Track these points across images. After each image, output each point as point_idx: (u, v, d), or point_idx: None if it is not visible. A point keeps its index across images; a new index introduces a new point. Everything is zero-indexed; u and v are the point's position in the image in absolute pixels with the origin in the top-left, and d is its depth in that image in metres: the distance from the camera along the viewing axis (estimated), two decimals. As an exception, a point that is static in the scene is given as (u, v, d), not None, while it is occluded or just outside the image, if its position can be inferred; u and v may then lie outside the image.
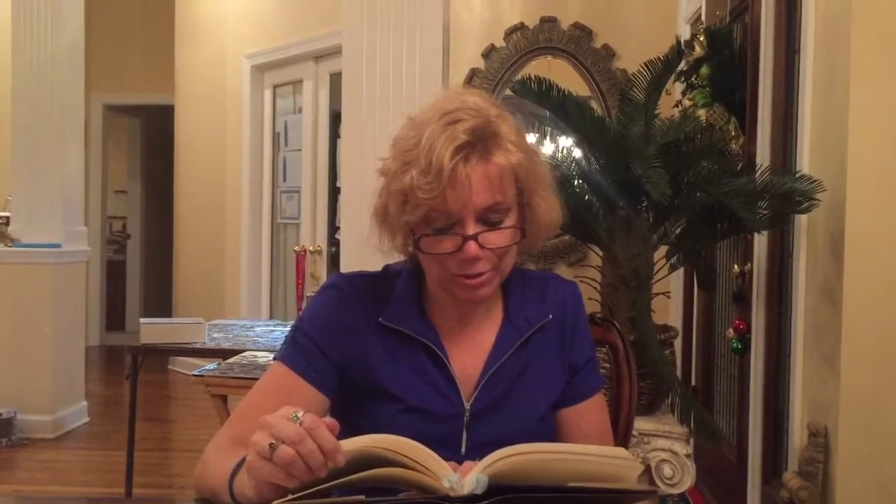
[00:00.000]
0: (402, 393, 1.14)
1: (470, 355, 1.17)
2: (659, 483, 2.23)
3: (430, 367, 1.15)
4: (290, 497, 0.85)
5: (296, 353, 1.15)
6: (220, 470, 0.96)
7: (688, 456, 2.21)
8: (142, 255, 8.39)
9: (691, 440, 2.27)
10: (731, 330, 3.23)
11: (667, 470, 2.20)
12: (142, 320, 3.14)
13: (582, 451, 0.93)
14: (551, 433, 1.20)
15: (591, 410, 1.23)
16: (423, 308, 1.18)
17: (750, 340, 3.07)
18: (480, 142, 1.06)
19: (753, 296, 3.03)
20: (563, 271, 2.37)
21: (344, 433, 1.21)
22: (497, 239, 1.08)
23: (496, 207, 1.08)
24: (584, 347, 1.24)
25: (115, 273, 8.27)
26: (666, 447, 2.22)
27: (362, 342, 1.15)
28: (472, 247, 1.06)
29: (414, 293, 1.18)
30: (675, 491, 2.21)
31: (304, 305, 4.37)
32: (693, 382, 4.00)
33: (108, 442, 4.42)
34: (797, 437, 2.49)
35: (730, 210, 2.19)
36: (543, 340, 1.20)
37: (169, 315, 6.52)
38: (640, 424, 2.24)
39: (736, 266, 3.23)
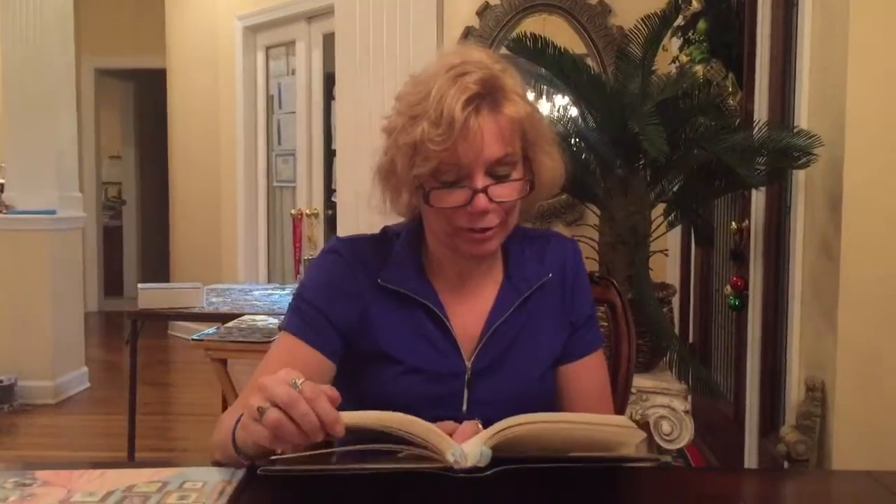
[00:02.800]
0: (403, 354, 1.14)
1: (470, 315, 1.17)
2: (658, 439, 2.25)
3: (430, 327, 1.15)
4: (289, 455, 0.85)
5: (300, 321, 1.15)
6: (225, 427, 0.97)
7: (686, 412, 2.22)
8: (138, 220, 8.36)
9: (689, 397, 2.29)
10: (728, 287, 3.23)
11: (665, 426, 2.22)
12: (140, 285, 3.14)
13: (583, 419, 0.93)
14: (551, 391, 1.21)
15: (591, 367, 1.23)
16: (423, 268, 1.18)
17: (747, 297, 3.07)
18: (490, 94, 1.06)
19: (751, 252, 3.03)
20: (561, 231, 2.36)
21: (346, 396, 1.21)
22: (505, 192, 1.08)
23: (505, 160, 1.08)
24: (584, 305, 1.24)
25: (111, 239, 8.25)
26: (664, 404, 2.23)
27: (363, 305, 1.15)
28: (481, 199, 1.06)
29: (413, 254, 1.18)
30: (674, 447, 2.23)
31: (301, 268, 4.37)
32: (691, 339, 4.02)
33: (109, 407, 4.45)
34: (794, 391, 2.50)
35: (727, 166, 2.18)
36: (544, 298, 1.20)
37: (167, 280, 6.52)
38: (639, 382, 2.25)
39: (733, 223, 3.23)
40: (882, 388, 2.23)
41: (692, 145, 2.24)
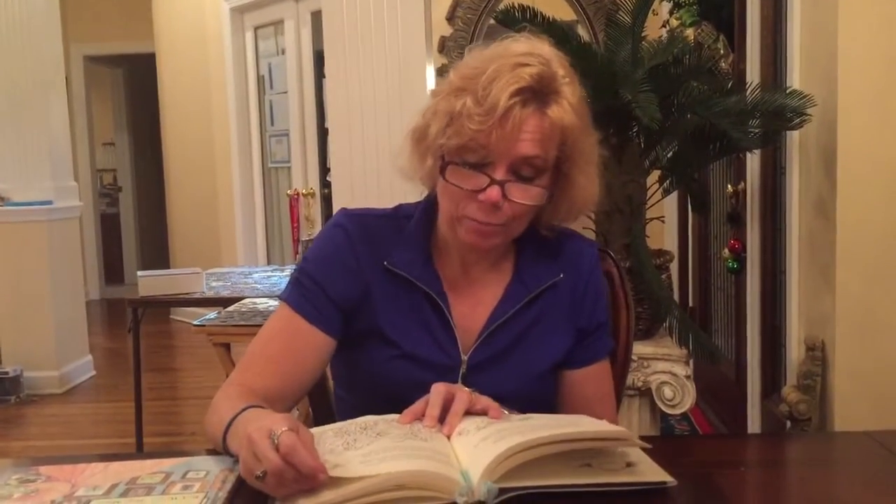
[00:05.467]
0: (400, 338, 1.12)
1: (473, 308, 1.15)
2: (660, 405, 2.26)
3: (431, 315, 1.13)
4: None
5: (300, 294, 1.13)
6: (220, 419, 0.97)
7: (687, 377, 2.23)
8: (135, 206, 8.35)
9: (690, 361, 2.30)
10: (726, 250, 3.24)
11: (667, 392, 2.23)
12: (139, 273, 3.14)
13: (581, 435, 0.90)
14: (549, 392, 1.18)
15: (597, 375, 1.20)
16: (431, 255, 1.16)
17: (745, 259, 3.08)
18: (542, 91, 1.03)
19: (748, 215, 3.03)
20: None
21: (342, 375, 1.21)
22: (523, 194, 1.05)
23: (533, 162, 1.04)
24: (595, 311, 1.20)
25: (109, 226, 8.24)
26: (665, 370, 2.24)
27: (365, 284, 1.13)
28: (495, 192, 1.03)
29: (423, 239, 1.16)
30: (677, 412, 2.24)
31: (300, 249, 4.37)
32: (690, 304, 4.04)
33: (115, 394, 4.47)
34: (794, 352, 2.52)
35: (720, 130, 2.17)
36: (554, 299, 1.17)
37: (166, 265, 6.53)
38: (640, 349, 2.26)
39: (729, 186, 3.23)
40: (881, 345, 2.24)
41: (685, 111, 2.23)
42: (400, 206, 1.20)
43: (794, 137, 2.46)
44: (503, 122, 1.00)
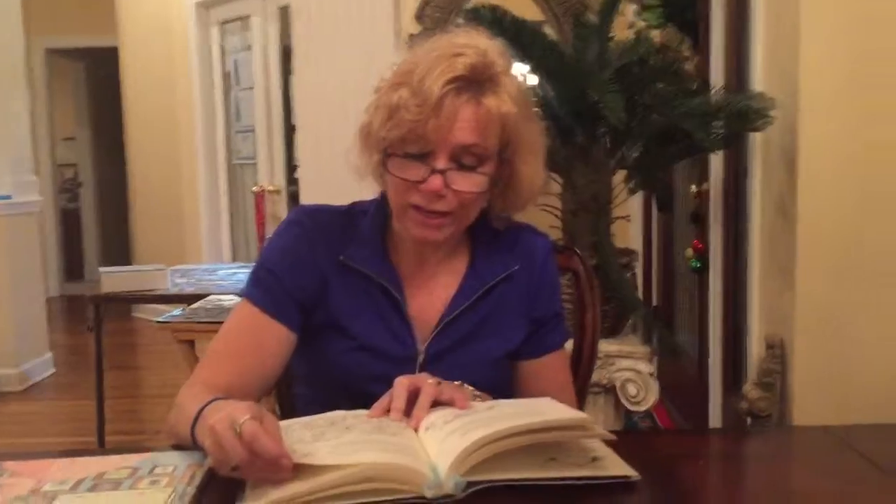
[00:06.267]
0: (357, 331, 1.14)
1: (429, 300, 1.17)
2: (624, 402, 2.29)
3: (388, 308, 1.15)
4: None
5: (260, 290, 1.14)
6: (187, 415, 0.97)
7: (651, 374, 2.27)
8: (96, 202, 8.24)
9: (654, 359, 2.33)
10: (689, 249, 3.28)
11: (631, 389, 2.26)
12: (102, 269, 3.10)
13: (544, 424, 0.91)
14: (505, 381, 1.20)
15: (552, 365, 1.22)
16: (386, 249, 1.18)
17: (708, 259, 3.13)
18: (477, 82, 1.05)
19: (711, 215, 3.07)
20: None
21: (303, 371, 1.22)
22: (464, 183, 1.07)
23: (473, 150, 1.07)
24: (549, 303, 1.23)
25: (70, 222, 8.12)
26: (629, 367, 2.27)
27: (322, 278, 1.15)
28: (437, 180, 1.05)
29: (378, 233, 1.17)
30: (640, 408, 2.27)
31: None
32: (655, 302, 4.09)
33: (76, 392, 4.41)
34: (755, 349, 2.56)
35: (684, 131, 2.20)
36: (508, 291, 1.19)
37: (128, 262, 6.44)
38: (605, 347, 2.28)
39: (693, 186, 3.27)
40: (839, 343, 2.28)
41: (650, 111, 2.26)
42: (355, 203, 1.22)
43: (756, 139, 2.50)
44: (438, 112, 1.03)
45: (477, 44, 1.08)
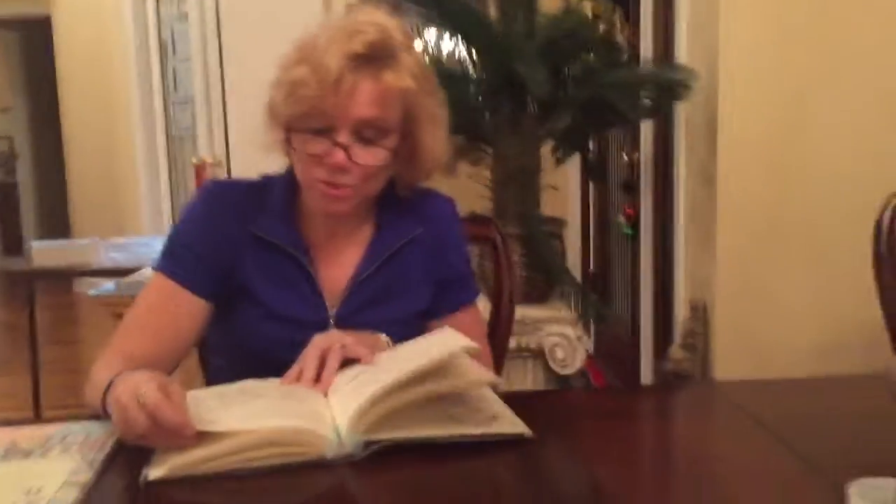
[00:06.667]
0: (268, 300, 1.17)
1: (337, 267, 1.20)
2: (552, 365, 2.36)
3: (297, 277, 1.18)
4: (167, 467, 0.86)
5: (173, 262, 1.17)
6: (99, 385, 0.99)
7: (578, 338, 2.33)
8: (33, 175, 8.05)
9: (580, 324, 2.40)
10: (620, 216, 3.36)
11: (559, 353, 2.33)
12: (34, 243, 3.06)
13: (430, 366, 0.94)
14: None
15: (463, 322, 1.24)
16: (295, 220, 1.20)
17: (640, 226, 3.21)
18: (376, 58, 1.08)
19: (641, 183, 3.15)
20: (466, 170, 2.43)
21: (218, 343, 1.25)
22: (367, 156, 1.10)
23: (374, 124, 1.09)
24: (456, 262, 1.27)
25: (6, 195, 7.93)
26: (557, 332, 2.33)
27: (233, 249, 1.17)
28: (339, 154, 1.08)
29: (287, 205, 1.20)
30: (568, 371, 2.34)
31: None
32: (592, 268, 4.17)
33: (13, 367, 4.35)
34: (681, 313, 2.65)
35: (611, 102, 2.25)
36: (413, 253, 1.23)
37: (68, 235, 6.33)
38: (533, 312, 2.35)
39: (625, 155, 3.34)
40: (758, 304, 2.38)
41: (577, 83, 2.30)
42: (266, 176, 1.24)
43: (681, 109, 2.57)
44: (337, 88, 1.05)
45: (377, 21, 1.10)
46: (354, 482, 0.89)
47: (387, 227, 1.23)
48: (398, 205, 1.24)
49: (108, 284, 2.84)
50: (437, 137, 1.18)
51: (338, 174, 1.10)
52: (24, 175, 8.03)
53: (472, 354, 0.99)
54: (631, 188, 3.28)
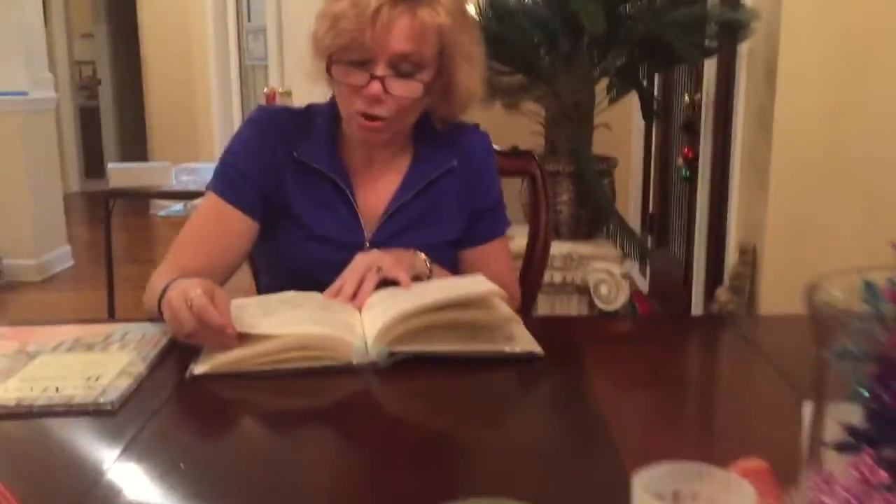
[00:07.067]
0: (309, 221, 1.25)
1: (375, 194, 1.28)
2: (597, 301, 2.42)
3: (337, 201, 1.26)
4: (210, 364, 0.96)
5: (224, 183, 1.25)
6: (155, 292, 1.09)
7: (623, 276, 2.38)
8: (115, 99, 8.30)
9: (625, 262, 2.44)
10: (679, 158, 3.35)
11: (603, 289, 2.38)
12: (110, 165, 3.23)
13: (455, 300, 1.02)
14: (448, 265, 1.29)
15: (493, 252, 1.32)
16: (337, 147, 1.28)
17: (698, 168, 3.19)
18: None
19: (702, 125, 3.13)
20: (528, 105, 2.47)
21: (264, 263, 1.34)
22: (402, 88, 1.16)
23: (410, 58, 1.15)
24: (489, 194, 1.32)
25: (89, 119, 8.21)
26: (603, 269, 2.38)
27: (278, 173, 1.25)
28: (375, 86, 1.14)
29: (329, 133, 1.27)
30: (611, 307, 2.39)
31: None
32: (651, 209, 4.17)
33: (92, 283, 4.60)
34: (732, 256, 2.66)
35: (668, 42, 2.25)
36: (448, 184, 1.29)
37: (145, 160, 6.57)
38: (580, 249, 2.40)
39: (686, 96, 3.31)
40: (808, 249, 2.38)
41: (635, 21, 2.30)
42: (312, 105, 1.32)
43: (743, 50, 2.54)
44: (374, 22, 1.12)
45: None
46: (377, 387, 0.98)
47: (423, 158, 1.29)
48: (435, 137, 1.30)
49: (176, 206, 2.98)
50: (471, 74, 1.23)
51: (374, 105, 1.16)
52: (106, 100, 8.29)
53: (494, 298, 1.05)
54: (691, 130, 3.26)
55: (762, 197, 2.41)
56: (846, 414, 0.47)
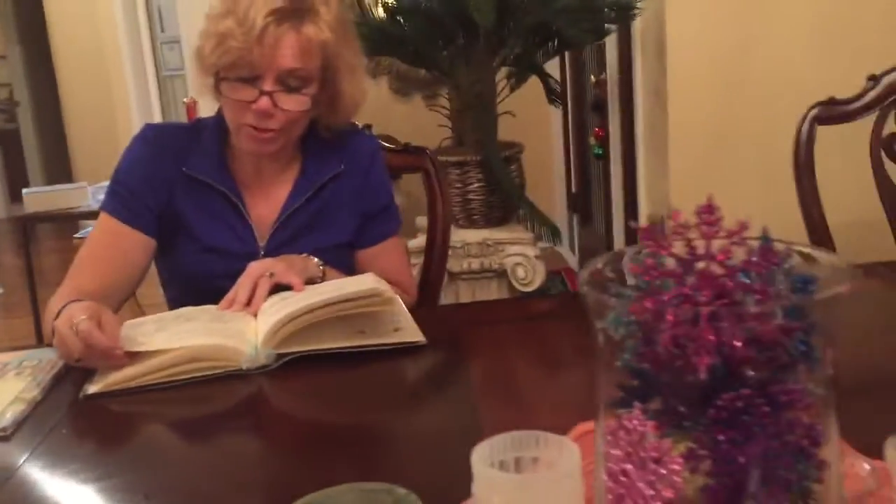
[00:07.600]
0: (203, 234, 1.29)
1: (266, 203, 1.32)
2: (515, 284, 2.49)
3: (229, 213, 1.30)
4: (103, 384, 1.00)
5: (116, 202, 1.28)
6: (50, 317, 1.12)
7: (537, 257, 2.45)
8: (34, 121, 8.13)
9: (538, 243, 2.51)
10: (591, 138, 3.44)
11: (520, 272, 2.45)
12: (24, 190, 3.20)
13: (340, 297, 1.07)
14: (343, 267, 1.33)
15: (386, 251, 1.37)
16: (226, 160, 1.31)
17: (609, 146, 3.28)
18: (297, 12, 1.18)
19: (609, 104, 3.22)
20: (423, 101, 2.54)
21: (165, 278, 1.38)
22: (291, 103, 1.20)
23: (297, 73, 1.20)
24: (378, 195, 1.37)
25: (10, 142, 8.03)
26: (518, 252, 2.45)
27: (169, 188, 1.29)
28: (264, 101, 1.19)
29: (217, 146, 1.31)
30: (529, 289, 2.47)
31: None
32: (574, 189, 4.27)
33: (22, 310, 4.52)
34: (643, 229, 2.76)
35: (557, 28, 2.32)
36: (338, 189, 1.34)
37: (71, 181, 6.46)
38: (495, 234, 2.46)
39: (593, 76, 3.40)
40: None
41: (525, 11, 2.36)
42: (199, 119, 1.36)
43: (636, 30, 2.63)
44: (261, 40, 1.16)
45: None
46: (268, 388, 1.02)
47: (311, 166, 1.33)
48: (322, 144, 1.34)
49: (92, 227, 2.96)
50: (354, 84, 1.28)
51: (264, 119, 1.20)
52: (26, 122, 8.11)
53: (380, 295, 1.10)
54: (600, 109, 3.35)
55: (663, 170, 2.50)
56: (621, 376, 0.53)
